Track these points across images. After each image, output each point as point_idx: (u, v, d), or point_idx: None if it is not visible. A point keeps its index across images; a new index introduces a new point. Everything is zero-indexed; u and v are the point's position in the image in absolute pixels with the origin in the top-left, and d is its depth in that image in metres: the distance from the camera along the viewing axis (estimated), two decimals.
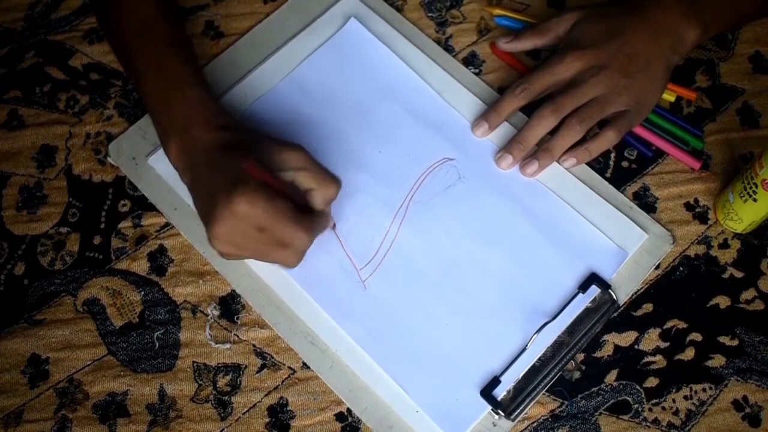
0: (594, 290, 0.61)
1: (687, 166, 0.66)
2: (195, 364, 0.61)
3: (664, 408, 0.59)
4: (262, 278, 0.62)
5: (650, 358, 0.60)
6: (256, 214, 0.51)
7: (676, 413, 0.59)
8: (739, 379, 0.60)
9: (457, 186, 0.65)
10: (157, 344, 0.61)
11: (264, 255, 0.55)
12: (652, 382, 0.60)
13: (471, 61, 0.71)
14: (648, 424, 0.58)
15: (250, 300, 0.62)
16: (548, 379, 0.58)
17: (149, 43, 0.60)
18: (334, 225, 0.62)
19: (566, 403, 0.59)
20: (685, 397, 0.59)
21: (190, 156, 0.57)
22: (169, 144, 0.58)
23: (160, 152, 0.65)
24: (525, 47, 0.69)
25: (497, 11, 0.72)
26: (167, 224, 0.65)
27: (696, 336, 0.61)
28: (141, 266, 0.64)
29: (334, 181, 0.56)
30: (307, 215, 0.55)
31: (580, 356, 0.60)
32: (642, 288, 0.62)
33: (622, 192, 0.65)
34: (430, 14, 0.73)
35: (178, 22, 0.64)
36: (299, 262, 0.56)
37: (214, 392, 0.60)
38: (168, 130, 0.58)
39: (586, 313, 0.60)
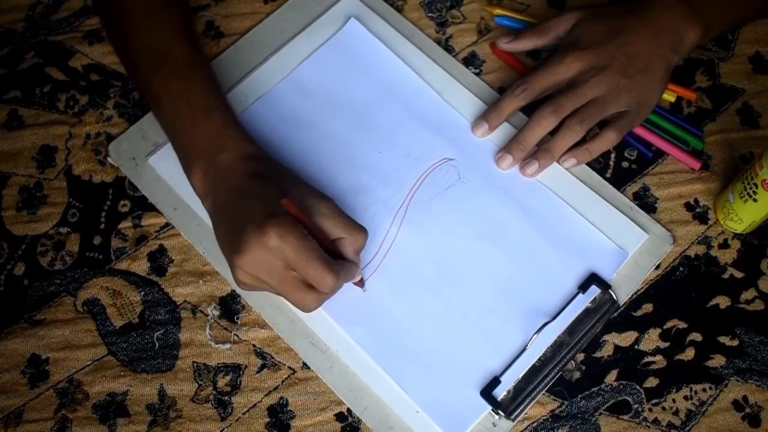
0: (594, 290, 0.61)
1: (687, 166, 0.66)
2: (195, 364, 0.61)
3: (664, 408, 0.59)
4: None
5: (650, 358, 0.60)
6: (286, 249, 0.51)
7: (676, 413, 0.59)
8: (739, 379, 0.60)
9: (457, 186, 0.65)
10: (157, 344, 0.61)
11: (284, 293, 0.54)
12: (652, 382, 0.60)
13: (471, 61, 0.71)
14: (648, 424, 0.58)
15: (250, 300, 0.62)
16: (548, 379, 0.58)
17: (169, 67, 0.60)
18: (363, 283, 0.60)
19: (566, 403, 0.59)
20: (685, 397, 0.59)
21: (215, 181, 0.57)
22: (193, 168, 0.58)
23: (160, 152, 0.65)
24: (525, 47, 0.69)
25: (497, 11, 0.72)
26: (167, 224, 0.65)
27: (696, 336, 0.61)
28: (141, 266, 0.64)
29: (362, 230, 0.56)
30: (337, 261, 0.54)
31: (580, 356, 0.60)
32: (642, 288, 0.62)
33: (622, 192, 0.65)
34: (430, 14, 0.73)
35: (198, 44, 0.64)
36: (317, 308, 0.55)
37: (214, 392, 0.60)
38: (192, 154, 0.58)
39: (586, 313, 0.60)
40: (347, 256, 0.57)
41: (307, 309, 0.55)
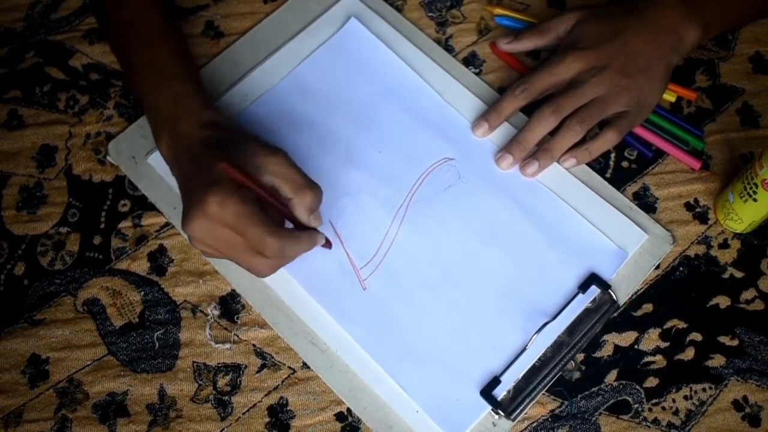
0: (594, 290, 0.61)
1: (687, 166, 0.66)
2: (195, 364, 0.61)
3: (664, 408, 0.59)
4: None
5: (650, 358, 0.60)
6: (226, 216, 0.51)
7: (676, 413, 0.59)
8: (739, 379, 0.60)
9: (457, 186, 0.65)
10: (157, 344, 0.61)
11: (235, 258, 0.54)
12: (652, 382, 0.60)
13: (471, 61, 0.71)
14: (648, 424, 0.58)
15: (250, 300, 0.62)
16: (548, 379, 0.58)
17: (143, 38, 0.61)
18: (330, 244, 0.60)
19: (566, 403, 0.59)
20: (685, 397, 0.59)
21: (177, 151, 0.57)
22: (160, 139, 0.59)
23: None
24: (525, 47, 0.69)
25: (498, 11, 0.72)
26: (167, 224, 0.65)
27: (696, 336, 0.61)
28: (141, 266, 0.64)
29: (312, 189, 0.55)
30: (287, 228, 0.55)
31: (580, 356, 0.60)
32: (642, 288, 0.62)
33: (622, 192, 0.65)
34: (430, 14, 0.73)
35: (171, 18, 0.64)
36: (271, 273, 0.56)
37: (214, 392, 0.60)
38: (159, 125, 0.59)
39: (586, 313, 0.60)
40: (300, 217, 0.56)
41: (260, 274, 0.55)
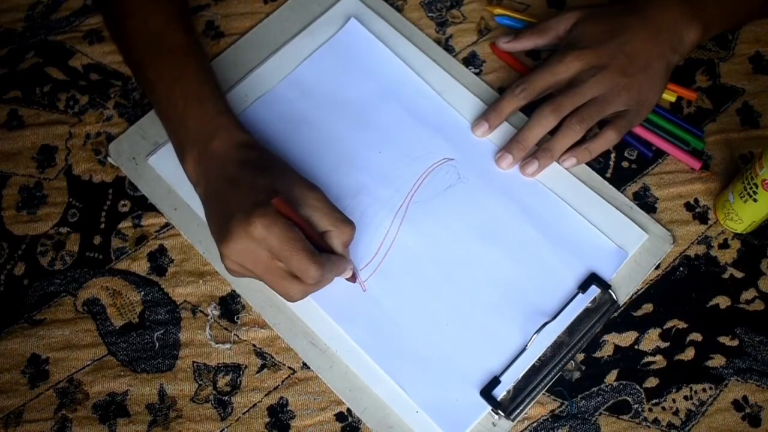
0: (594, 290, 0.61)
1: (687, 166, 0.66)
2: (195, 364, 0.61)
3: (664, 408, 0.59)
4: None
5: (650, 358, 0.60)
6: (271, 240, 0.51)
7: (676, 413, 0.59)
8: (739, 379, 0.60)
9: (457, 186, 0.65)
10: (157, 344, 0.61)
11: (269, 282, 0.54)
12: (652, 382, 0.60)
13: (471, 61, 0.71)
14: (648, 424, 0.58)
15: (250, 300, 0.62)
16: (548, 379, 0.58)
17: (163, 54, 0.60)
18: (355, 276, 0.60)
19: (566, 403, 0.59)
20: (685, 397, 0.59)
21: (207, 169, 0.57)
22: (186, 155, 0.58)
23: (160, 152, 0.65)
24: (525, 47, 0.69)
25: (498, 11, 0.72)
26: (167, 224, 0.65)
27: (696, 336, 0.61)
28: (141, 266, 0.64)
29: (350, 223, 0.56)
30: (323, 254, 0.54)
31: (580, 356, 0.60)
32: (642, 288, 0.62)
33: (622, 192, 0.65)
34: (430, 14, 0.73)
35: (194, 33, 0.64)
36: (303, 298, 0.56)
37: (214, 392, 0.60)
38: (185, 141, 0.58)
39: (586, 313, 0.60)
40: (335, 249, 0.57)
41: (292, 299, 0.55)
